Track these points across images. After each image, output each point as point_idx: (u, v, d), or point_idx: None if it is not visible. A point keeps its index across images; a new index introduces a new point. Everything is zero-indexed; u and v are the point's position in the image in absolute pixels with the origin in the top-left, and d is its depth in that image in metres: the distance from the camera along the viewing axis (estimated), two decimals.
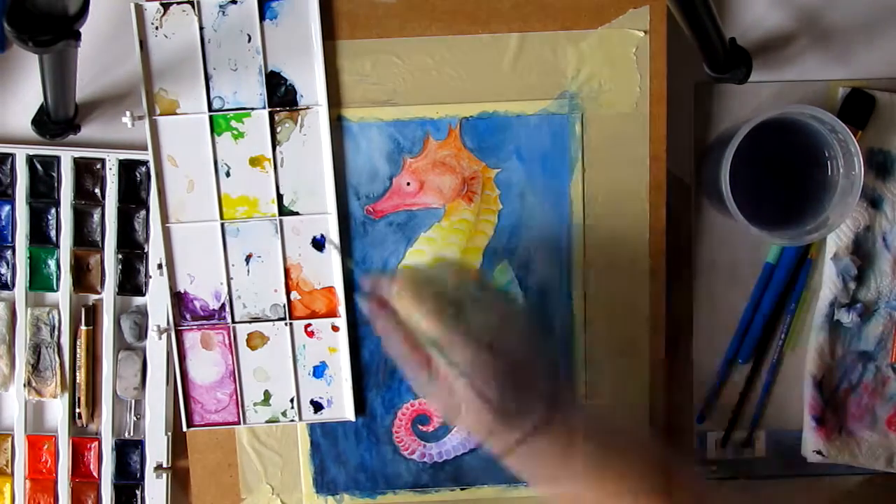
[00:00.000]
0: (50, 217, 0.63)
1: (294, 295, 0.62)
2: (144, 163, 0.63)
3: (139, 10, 0.59)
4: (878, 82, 0.64)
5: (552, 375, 0.51)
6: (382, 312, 0.49)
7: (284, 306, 0.62)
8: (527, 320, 0.51)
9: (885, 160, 0.64)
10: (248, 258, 0.62)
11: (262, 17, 0.60)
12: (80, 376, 0.64)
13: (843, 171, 0.59)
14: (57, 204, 0.63)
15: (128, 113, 0.59)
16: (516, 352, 0.48)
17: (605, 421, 0.53)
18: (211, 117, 0.60)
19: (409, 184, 0.62)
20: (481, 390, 0.46)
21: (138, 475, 0.65)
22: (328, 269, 0.62)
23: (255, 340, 0.63)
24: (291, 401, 0.63)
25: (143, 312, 0.64)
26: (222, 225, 0.61)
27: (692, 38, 0.57)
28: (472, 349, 0.47)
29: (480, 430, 0.48)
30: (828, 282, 0.64)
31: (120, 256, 0.64)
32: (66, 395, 0.64)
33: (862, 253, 0.64)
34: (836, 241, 0.64)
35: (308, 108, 0.61)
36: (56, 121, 0.61)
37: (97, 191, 0.63)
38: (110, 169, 0.63)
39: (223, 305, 0.62)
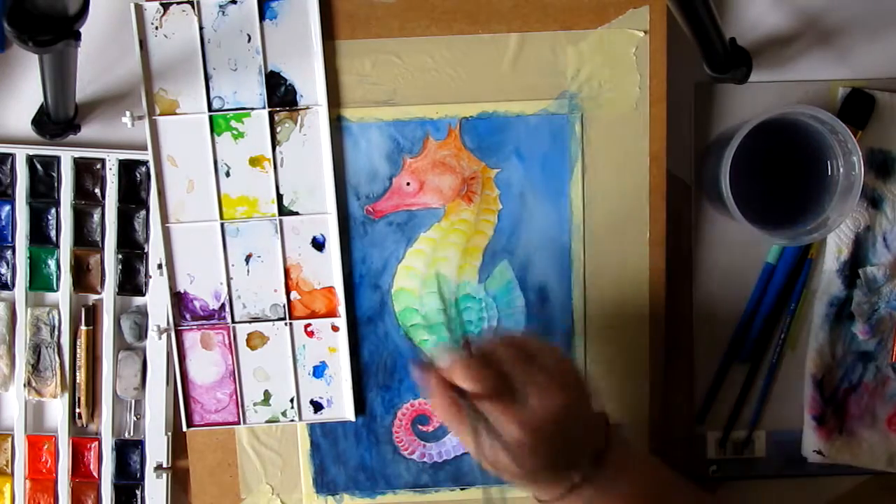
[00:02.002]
0: (50, 217, 0.63)
1: (294, 295, 0.62)
2: (144, 163, 0.63)
3: (139, 10, 0.59)
4: (878, 82, 0.64)
5: (599, 424, 0.52)
6: (439, 387, 0.50)
7: (284, 306, 0.62)
8: (579, 375, 0.52)
9: (885, 160, 0.64)
10: (247, 258, 0.62)
11: (261, 17, 0.60)
12: (80, 376, 0.64)
13: (843, 171, 0.59)
14: (57, 204, 0.63)
15: (128, 113, 0.59)
16: (566, 411, 0.49)
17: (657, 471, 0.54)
18: (211, 117, 0.60)
19: (408, 184, 0.62)
20: (522, 462, 0.48)
21: (138, 475, 0.65)
22: (328, 269, 0.62)
23: (254, 340, 0.63)
24: (291, 401, 0.63)
25: (143, 312, 0.64)
26: (222, 225, 0.61)
27: (692, 38, 0.57)
28: (520, 429, 0.47)
29: (526, 483, 0.50)
30: (832, 284, 0.64)
31: (120, 256, 0.64)
32: (66, 395, 0.64)
33: (862, 253, 0.64)
34: (837, 241, 0.64)
35: (308, 108, 0.61)
36: (56, 121, 0.61)
37: (97, 191, 0.63)
38: (110, 169, 0.63)
39: (223, 305, 0.62)
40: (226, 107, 0.60)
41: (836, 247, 0.64)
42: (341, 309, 0.62)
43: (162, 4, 0.59)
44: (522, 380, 0.49)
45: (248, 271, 0.62)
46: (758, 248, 0.65)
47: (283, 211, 0.61)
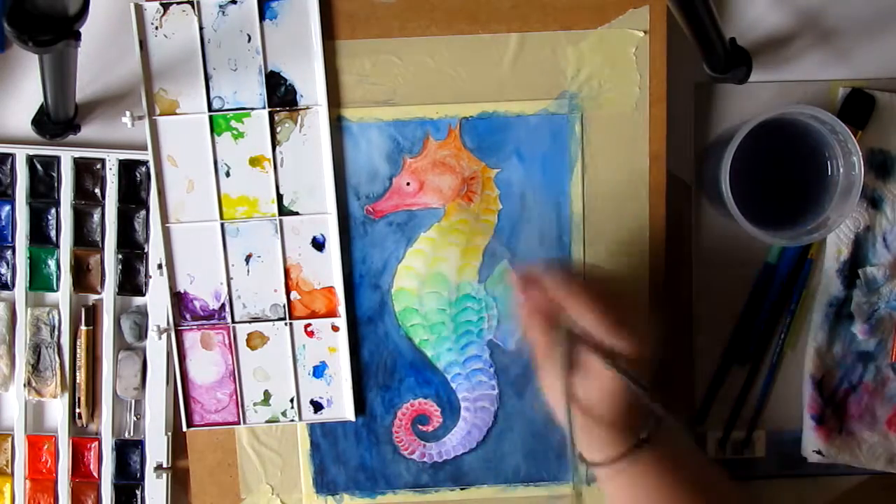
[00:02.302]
0: (50, 217, 0.63)
1: (294, 295, 0.62)
2: (144, 163, 0.63)
3: (139, 10, 0.59)
4: (878, 82, 0.64)
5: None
6: (543, 303, 0.50)
7: (284, 306, 0.62)
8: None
9: (885, 160, 0.64)
10: (247, 258, 0.62)
11: (261, 17, 0.60)
12: (80, 376, 0.64)
13: (843, 171, 0.59)
14: (57, 204, 0.63)
15: (128, 113, 0.59)
16: (648, 359, 0.50)
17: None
18: (211, 117, 0.60)
19: (408, 184, 0.62)
20: (613, 401, 0.48)
21: (138, 475, 0.65)
22: (328, 269, 0.62)
23: (254, 340, 0.63)
24: (291, 401, 0.63)
25: (143, 312, 0.64)
26: (222, 225, 0.61)
27: (692, 37, 0.57)
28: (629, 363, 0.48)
29: (598, 432, 0.50)
30: (832, 284, 0.64)
31: (120, 256, 0.64)
32: (66, 395, 0.64)
33: (862, 253, 0.64)
34: (837, 241, 0.64)
35: (308, 108, 0.61)
36: (56, 121, 0.61)
37: (97, 191, 0.63)
38: (110, 169, 0.63)
39: (223, 305, 0.62)
40: (226, 107, 0.60)
41: (836, 247, 0.64)
42: (341, 309, 0.62)
43: (162, 4, 0.59)
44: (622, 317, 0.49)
45: (248, 271, 0.62)
46: (758, 248, 0.65)
47: (283, 211, 0.61)
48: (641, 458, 0.50)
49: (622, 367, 0.48)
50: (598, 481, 0.53)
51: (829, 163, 0.60)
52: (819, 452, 0.64)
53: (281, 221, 0.61)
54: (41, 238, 0.64)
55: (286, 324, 0.62)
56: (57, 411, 0.65)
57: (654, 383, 0.62)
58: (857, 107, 0.63)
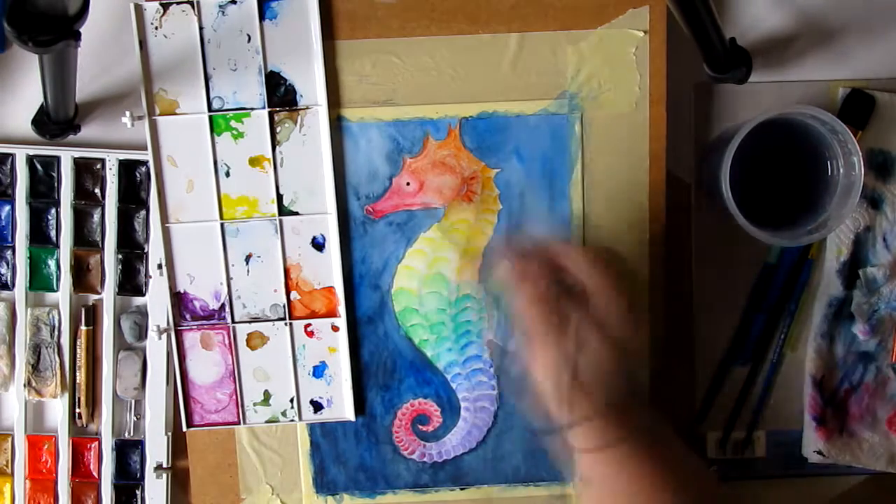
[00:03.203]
0: (50, 217, 0.63)
1: (294, 295, 0.62)
2: (144, 163, 0.63)
3: (139, 10, 0.59)
4: (878, 82, 0.64)
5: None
6: (541, 273, 0.50)
7: (284, 306, 0.62)
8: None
9: (885, 160, 0.64)
10: (247, 258, 0.62)
11: (261, 17, 0.60)
12: (80, 376, 0.64)
13: (843, 172, 0.59)
14: (57, 204, 0.63)
15: (128, 113, 0.59)
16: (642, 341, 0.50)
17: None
18: (210, 117, 0.60)
19: (408, 184, 0.62)
20: (612, 380, 0.48)
21: (138, 475, 0.65)
22: (328, 269, 0.62)
23: (254, 340, 0.63)
24: (291, 401, 0.63)
25: (143, 312, 0.64)
26: (222, 225, 0.61)
27: (692, 37, 0.56)
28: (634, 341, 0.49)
29: (590, 417, 0.49)
30: (832, 284, 0.64)
31: (120, 256, 0.64)
32: (66, 395, 0.64)
33: (862, 253, 0.64)
34: (837, 241, 0.64)
35: (308, 108, 0.61)
36: (56, 121, 0.61)
37: (97, 191, 0.63)
38: (110, 169, 0.63)
39: (223, 305, 0.62)
40: (226, 107, 0.60)
41: (836, 247, 0.64)
42: (341, 309, 0.62)
43: (162, 4, 0.59)
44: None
45: (248, 271, 0.62)
46: (758, 248, 0.65)
47: (282, 211, 0.61)
48: (633, 444, 0.49)
49: (622, 346, 0.48)
50: (580, 469, 0.52)
51: (829, 163, 0.60)
52: (819, 452, 0.64)
53: (281, 221, 0.61)
54: (41, 238, 0.64)
55: (286, 324, 0.62)
56: (57, 411, 0.65)
57: (653, 383, 0.62)
58: (857, 107, 0.63)
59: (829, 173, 0.60)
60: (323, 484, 0.64)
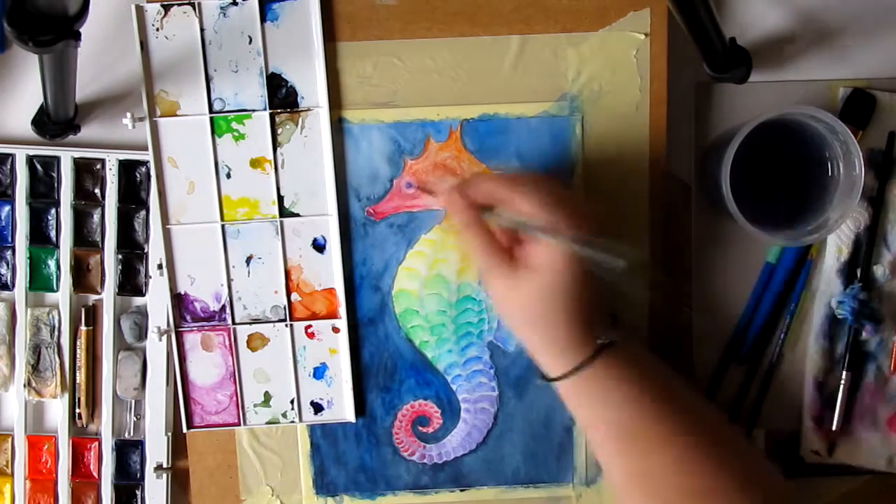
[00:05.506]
0: (50, 217, 0.63)
1: (294, 296, 0.62)
2: (144, 163, 0.63)
3: (140, 12, 0.59)
4: (879, 82, 0.64)
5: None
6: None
7: (285, 308, 0.62)
8: None
9: (886, 160, 0.64)
10: (248, 260, 0.62)
11: (262, 19, 0.60)
12: (80, 376, 0.64)
13: (843, 171, 0.59)
14: (57, 204, 0.63)
15: (128, 114, 0.59)
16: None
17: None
18: (212, 119, 0.60)
19: (409, 185, 0.62)
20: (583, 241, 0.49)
21: (138, 475, 0.65)
22: (328, 271, 0.62)
23: (255, 342, 0.63)
24: (291, 402, 0.63)
25: (143, 313, 0.64)
26: (223, 226, 0.61)
27: (692, 38, 0.56)
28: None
29: (549, 337, 0.50)
30: (832, 284, 0.64)
31: (120, 257, 0.64)
32: (66, 396, 0.64)
33: (862, 253, 0.64)
34: (837, 241, 0.64)
35: (309, 109, 0.61)
36: (56, 121, 0.61)
37: (97, 191, 0.63)
38: (110, 169, 0.63)
39: (223, 307, 0.62)
40: (227, 108, 0.60)
41: (836, 247, 0.64)
42: (342, 310, 0.62)
43: (163, 6, 0.59)
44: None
45: (248, 273, 0.62)
46: (758, 248, 0.65)
47: (283, 212, 0.61)
48: (604, 364, 0.49)
49: (566, 237, 0.48)
50: (564, 401, 0.52)
51: (829, 163, 0.60)
52: (818, 453, 0.65)
53: (282, 223, 0.61)
54: (41, 238, 0.64)
55: (287, 325, 0.62)
56: (57, 411, 0.65)
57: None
58: (858, 107, 0.63)
59: (830, 173, 0.60)
60: (323, 485, 0.64)
